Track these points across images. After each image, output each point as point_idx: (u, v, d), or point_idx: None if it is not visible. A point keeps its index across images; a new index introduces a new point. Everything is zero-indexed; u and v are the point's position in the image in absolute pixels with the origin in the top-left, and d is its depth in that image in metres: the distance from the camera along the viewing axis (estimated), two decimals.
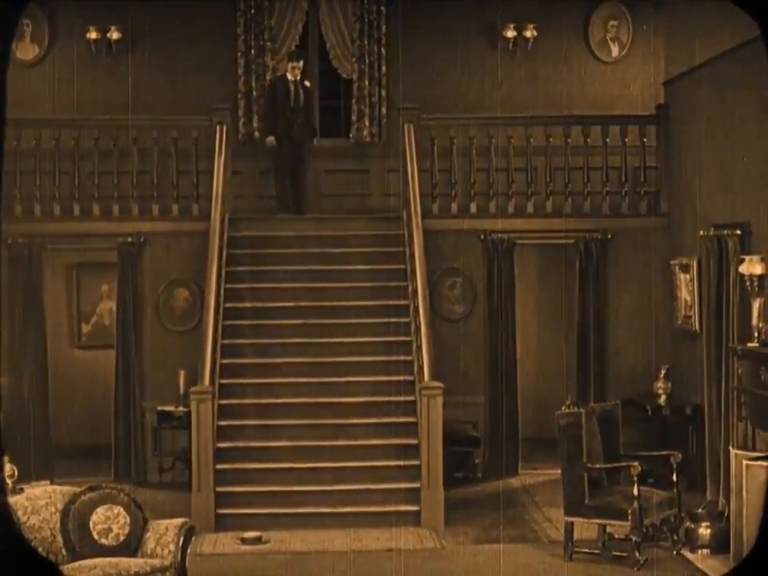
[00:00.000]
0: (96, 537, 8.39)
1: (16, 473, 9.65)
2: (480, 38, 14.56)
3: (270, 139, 13.58)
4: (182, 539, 8.46)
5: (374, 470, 11.25)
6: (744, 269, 10.40)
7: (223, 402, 11.56)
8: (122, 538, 8.43)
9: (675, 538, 10.15)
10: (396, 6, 14.43)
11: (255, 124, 14.45)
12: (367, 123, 14.51)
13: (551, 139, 13.43)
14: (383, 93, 14.51)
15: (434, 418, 11.07)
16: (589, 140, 13.44)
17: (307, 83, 13.74)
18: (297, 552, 10.34)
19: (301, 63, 13.60)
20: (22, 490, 9.25)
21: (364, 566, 9.89)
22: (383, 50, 14.46)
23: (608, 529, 10.14)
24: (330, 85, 14.74)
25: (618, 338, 13.31)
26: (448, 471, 11.52)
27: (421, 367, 11.40)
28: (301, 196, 13.66)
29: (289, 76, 13.56)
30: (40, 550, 8.23)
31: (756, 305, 10.17)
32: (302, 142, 13.59)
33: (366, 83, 14.49)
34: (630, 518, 9.65)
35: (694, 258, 12.21)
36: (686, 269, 12.45)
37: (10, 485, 9.38)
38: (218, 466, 11.17)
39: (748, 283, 10.39)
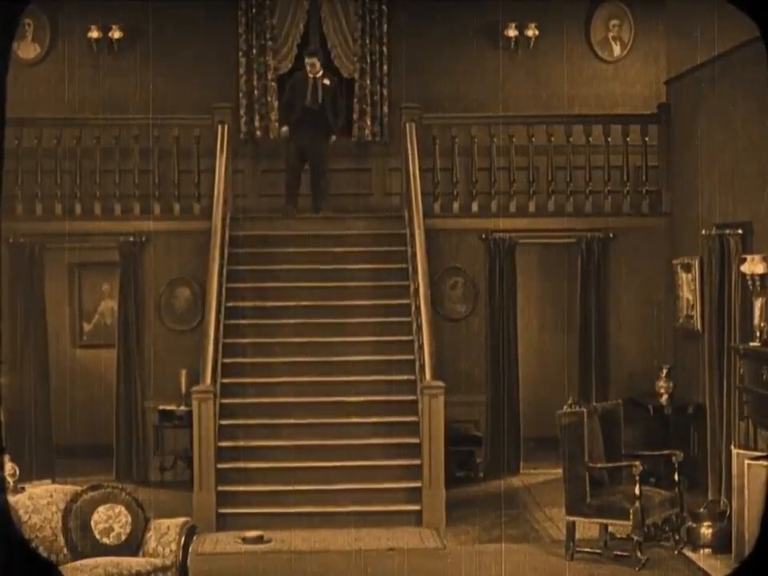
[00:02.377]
0: (97, 536, 8.38)
1: (17, 472, 9.66)
2: (481, 37, 14.55)
3: (284, 129, 13.38)
4: (183, 538, 8.46)
5: (376, 469, 11.24)
6: (746, 268, 10.39)
7: (225, 401, 11.55)
8: (123, 537, 8.43)
9: (677, 537, 10.15)
10: (397, 5, 14.43)
11: (257, 123, 14.45)
12: (369, 122, 14.50)
13: (553, 138, 13.43)
14: (385, 92, 14.50)
15: (435, 418, 11.06)
16: (591, 139, 13.44)
17: (327, 81, 13.39)
18: (298, 551, 10.33)
19: (314, 60, 13.27)
20: (23, 488, 9.27)
21: (365, 565, 9.88)
22: (385, 49, 14.46)
23: (610, 528, 10.14)
24: None
25: (620, 338, 13.30)
26: (449, 470, 11.52)
27: (422, 366, 11.39)
28: (316, 195, 13.51)
29: (308, 74, 13.30)
30: (41, 549, 8.23)
31: (758, 304, 10.17)
32: (313, 143, 13.29)
33: (368, 82, 14.48)
34: (631, 517, 9.64)
35: (696, 257, 12.20)
36: (687, 268, 12.44)
37: (12, 484, 9.39)
38: (220, 465, 11.16)
39: (750, 282, 10.38)
